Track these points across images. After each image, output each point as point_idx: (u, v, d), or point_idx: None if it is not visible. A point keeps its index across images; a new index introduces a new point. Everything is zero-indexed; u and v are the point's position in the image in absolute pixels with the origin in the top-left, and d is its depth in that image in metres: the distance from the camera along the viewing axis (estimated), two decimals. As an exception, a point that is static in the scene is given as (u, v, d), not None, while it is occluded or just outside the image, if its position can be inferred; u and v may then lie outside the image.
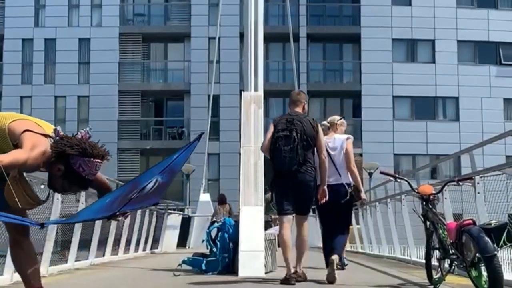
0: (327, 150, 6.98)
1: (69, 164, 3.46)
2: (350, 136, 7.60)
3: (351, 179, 7.38)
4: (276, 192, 6.71)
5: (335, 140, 7.43)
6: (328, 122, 7.57)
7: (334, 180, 7.21)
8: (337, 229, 7.21)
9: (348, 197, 7.27)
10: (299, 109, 6.86)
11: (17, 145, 3.40)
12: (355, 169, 7.35)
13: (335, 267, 6.47)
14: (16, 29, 34.04)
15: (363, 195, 7.63)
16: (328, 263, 6.61)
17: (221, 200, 17.86)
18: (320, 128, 6.83)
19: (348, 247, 12.82)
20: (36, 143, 3.39)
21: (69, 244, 9.54)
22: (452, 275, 6.28)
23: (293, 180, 6.49)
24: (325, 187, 6.70)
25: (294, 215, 6.62)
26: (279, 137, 6.54)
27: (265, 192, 20.66)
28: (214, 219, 18.86)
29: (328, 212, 7.26)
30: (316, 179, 6.65)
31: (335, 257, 6.53)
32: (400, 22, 34.06)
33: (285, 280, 6.37)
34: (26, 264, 3.76)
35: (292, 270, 6.44)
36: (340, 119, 7.87)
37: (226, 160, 31.77)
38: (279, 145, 6.51)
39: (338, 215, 7.23)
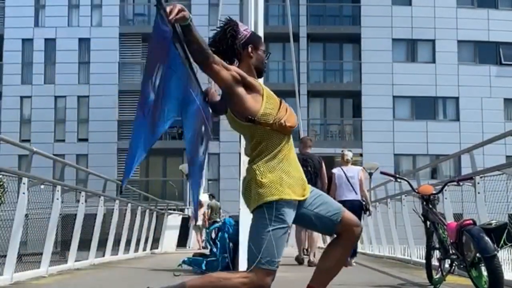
0: (345, 176, 9.69)
1: (244, 43, 3.52)
2: (362, 168, 10.67)
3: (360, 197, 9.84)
4: None
5: (353, 170, 9.91)
6: (348, 156, 10.05)
7: (352, 197, 9.59)
8: None
9: (363, 209, 9.72)
10: (309, 150, 9.80)
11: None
12: (366, 192, 10.05)
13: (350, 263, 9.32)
14: (16, 29, 34.03)
15: (370, 208, 10.23)
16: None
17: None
18: (323, 163, 9.57)
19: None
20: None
21: (69, 244, 9.54)
22: (453, 275, 6.28)
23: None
24: None
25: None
26: None
27: (211, 198, 21.71)
28: (194, 222, 19.47)
29: None
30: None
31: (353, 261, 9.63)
32: (400, 22, 34.05)
33: (296, 259, 9.51)
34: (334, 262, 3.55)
35: (306, 258, 9.44)
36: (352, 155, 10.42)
37: (226, 160, 31.76)
38: None
39: None
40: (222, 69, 3.30)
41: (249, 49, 3.53)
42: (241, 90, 3.36)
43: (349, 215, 3.54)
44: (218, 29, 3.59)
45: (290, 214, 3.35)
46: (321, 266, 3.53)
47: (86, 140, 33.82)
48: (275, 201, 3.31)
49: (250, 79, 3.41)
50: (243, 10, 10.30)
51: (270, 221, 3.30)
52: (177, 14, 3.04)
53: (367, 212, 10.03)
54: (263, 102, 3.39)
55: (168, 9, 2.96)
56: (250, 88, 3.38)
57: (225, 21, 3.62)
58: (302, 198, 3.40)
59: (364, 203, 9.73)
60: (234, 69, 3.37)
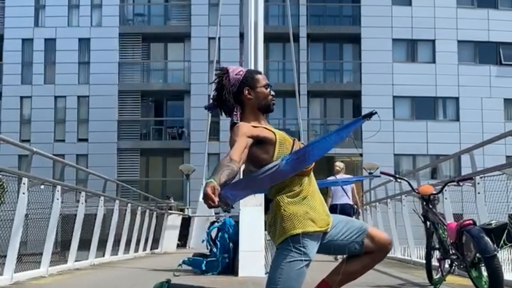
0: None
1: (239, 86, 3.50)
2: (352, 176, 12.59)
3: (352, 201, 11.48)
4: None
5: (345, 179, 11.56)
6: (338, 166, 11.45)
7: (345, 201, 11.13)
8: None
9: (353, 211, 11.27)
10: None
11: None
12: (357, 197, 11.79)
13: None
14: (16, 29, 34.01)
15: (360, 211, 12.42)
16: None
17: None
18: None
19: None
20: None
21: (69, 244, 9.54)
22: (452, 275, 6.28)
23: None
24: None
25: None
26: None
27: (168, 198, 22.31)
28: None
29: None
30: None
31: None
32: (400, 22, 34.03)
33: None
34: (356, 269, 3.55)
35: None
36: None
37: (226, 160, 31.74)
38: None
39: None
40: (241, 154, 3.24)
41: (245, 92, 3.50)
42: (253, 149, 3.34)
43: (378, 232, 3.57)
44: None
45: (312, 247, 3.36)
46: (342, 269, 3.52)
47: (86, 140, 33.81)
48: (298, 234, 3.31)
49: (262, 133, 3.38)
50: (243, 10, 10.32)
51: (291, 252, 3.31)
52: (215, 197, 2.94)
53: (357, 214, 11.80)
54: (275, 150, 3.38)
55: (208, 203, 2.95)
56: (264, 142, 3.37)
57: (217, 72, 3.58)
58: (324, 229, 3.39)
59: (355, 206, 11.58)
60: (246, 133, 3.32)
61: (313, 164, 3.44)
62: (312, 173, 3.50)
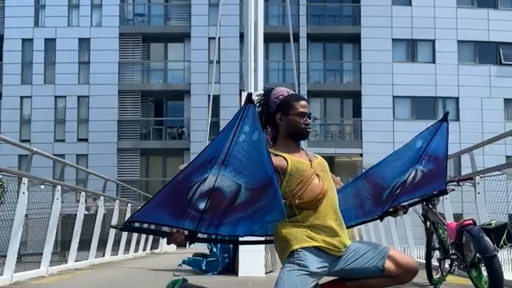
0: None
1: (275, 110, 3.50)
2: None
3: None
4: None
5: None
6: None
7: None
8: None
9: None
10: None
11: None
12: None
13: None
14: (16, 29, 34.01)
15: None
16: None
17: None
18: None
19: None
20: None
21: (69, 244, 9.54)
22: (452, 275, 6.28)
23: None
24: None
25: None
26: None
27: (94, 200, 21.87)
28: None
29: None
30: None
31: None
32: (400, 22, 34.04)
33: None
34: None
35: None
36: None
37: (226, 160, 31.75)
38: None
39: None
40: None
41: (277, 117, 3.50)
42: None
43: (402, 256, 3.48)
44: None
45: (312, 260, 3.31)
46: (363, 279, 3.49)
47: (86, 140, 33.82)
48: (294, 251, 3.31)
49: (277, 164, 3.32)
50: (243, 10, 10.32)
51: (290, 265, 3.30)
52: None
53: None
54: (284, 181, 3.36)
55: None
56: (277, 173, 3.34)
57: (263, 91, 3.61)
58: (324, 247, 3.34)
59: None
60: None
61: (315, 197, 3.37)
62: (325, 204, 3.39)
